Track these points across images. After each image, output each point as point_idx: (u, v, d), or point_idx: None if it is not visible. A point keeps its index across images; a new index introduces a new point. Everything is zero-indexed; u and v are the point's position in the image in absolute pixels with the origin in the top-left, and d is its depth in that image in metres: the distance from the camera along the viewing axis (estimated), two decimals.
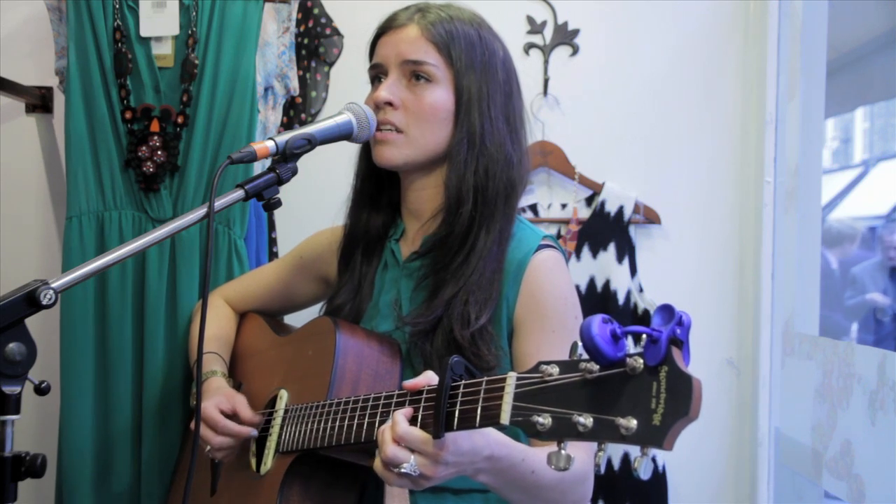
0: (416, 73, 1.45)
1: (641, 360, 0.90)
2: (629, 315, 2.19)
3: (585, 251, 2.23)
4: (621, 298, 2.19)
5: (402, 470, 1.12)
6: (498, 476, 1.21)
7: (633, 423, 0.89)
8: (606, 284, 2.20)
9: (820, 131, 2.11)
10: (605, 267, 2.21)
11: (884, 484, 1.58)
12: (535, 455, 1.23)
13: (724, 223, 2.27)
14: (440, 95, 1.45)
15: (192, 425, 1.46)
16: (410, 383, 1.19)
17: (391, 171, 1.52)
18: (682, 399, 0.86)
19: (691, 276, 2.27)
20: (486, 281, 1.41)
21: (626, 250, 2.22)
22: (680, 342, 0.89)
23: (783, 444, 2.10)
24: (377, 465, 1.16)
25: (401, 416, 1.15)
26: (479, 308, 1.39)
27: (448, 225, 1.45)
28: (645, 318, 2.18)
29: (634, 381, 0.90)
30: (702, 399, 0.87)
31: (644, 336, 0.90)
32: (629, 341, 0.94)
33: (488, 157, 1.44)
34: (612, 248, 2.22)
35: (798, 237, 2.05)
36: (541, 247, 1.44)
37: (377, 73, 1.50)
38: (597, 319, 0.91)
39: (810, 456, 1.87)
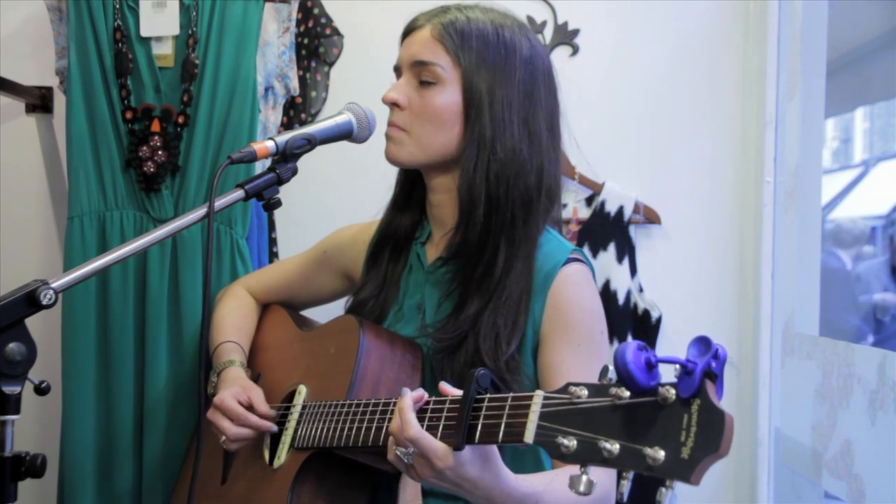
0: (422, 75, 1.44)
1: (674, 391, 0.88)
2: (629, 315, 2.18)
3: (585, 251, 2.22)
4: (621, 298, 2.19)
5: (398, 452, 1.16)
6: None
7: (661, 454, 0.87)
8: (606, 284, 2.20)
9: (820, 131, 2.11)
10: (605, 267, 2.21)
11: (884, 484, 1.58)
12: (553, 493, 1.22)
13: (724, 223, 2.27)
14: (445, 97, 1.43)
15: (209, 414, 1.51)
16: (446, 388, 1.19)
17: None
18: (713, 434, 0.84)
19: (691, 276, 2.27)
20: (514, 303, 1.38)
21: (626, 250, 2.22)
22: (714, 375, 0.86)
23: (783, 444, 2.10)
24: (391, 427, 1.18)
25: (413, 419, 1.15)
26: (509, 334, 1.37)
27: (463, 231, 1.43)
28: (645, 318, 2.18)
29: (665, 411, 0.88)
30: (733, 436, 0.85)
31: (677, 367, 0.87)
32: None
33: (499, 161, 1.40)
34: (612, 248, 2.22)
35: (798, 237, 2.05)
36: (569, 260, 1.42)
37: (397, 76, 1.51)
38: (632, 346, 0.89)
39: (810, 456, 1.87)
